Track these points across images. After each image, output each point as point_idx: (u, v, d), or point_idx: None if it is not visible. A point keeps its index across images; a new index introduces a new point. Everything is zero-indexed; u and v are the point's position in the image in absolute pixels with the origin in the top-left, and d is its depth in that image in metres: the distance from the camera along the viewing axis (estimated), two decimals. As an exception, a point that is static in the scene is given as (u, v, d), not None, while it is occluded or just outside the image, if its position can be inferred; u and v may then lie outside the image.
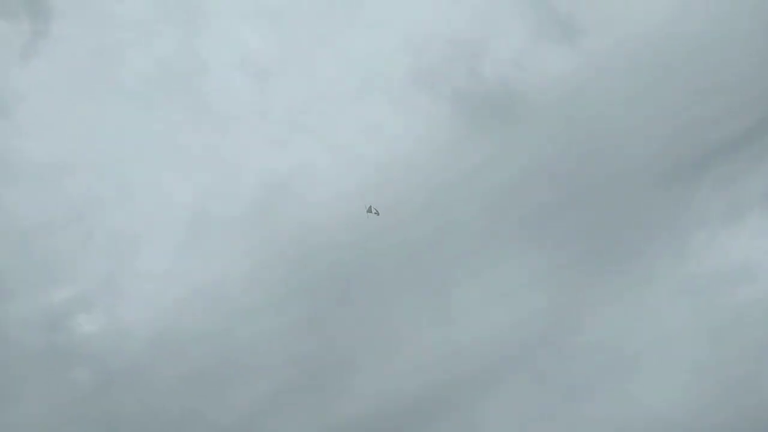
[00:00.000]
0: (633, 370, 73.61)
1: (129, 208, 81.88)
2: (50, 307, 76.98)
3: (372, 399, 73.11)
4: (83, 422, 72.21)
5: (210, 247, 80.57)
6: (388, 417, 72.16)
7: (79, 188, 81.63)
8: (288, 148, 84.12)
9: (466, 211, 79.99)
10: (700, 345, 73.25)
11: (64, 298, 77.52)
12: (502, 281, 77.78)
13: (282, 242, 79.79)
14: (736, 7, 79.36)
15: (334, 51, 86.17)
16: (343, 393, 74.11)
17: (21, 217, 79.41)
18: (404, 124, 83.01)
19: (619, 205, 79.74)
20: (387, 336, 76.42)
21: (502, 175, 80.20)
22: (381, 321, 76.99)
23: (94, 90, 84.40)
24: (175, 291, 77.74)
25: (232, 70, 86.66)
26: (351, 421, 72.15)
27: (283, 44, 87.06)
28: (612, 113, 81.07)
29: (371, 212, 70.65)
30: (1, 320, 75.30)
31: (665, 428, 69.73)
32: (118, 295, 78.43)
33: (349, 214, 73.57)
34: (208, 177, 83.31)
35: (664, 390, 71.76)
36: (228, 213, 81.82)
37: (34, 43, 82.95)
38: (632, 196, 79.88)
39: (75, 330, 76.69)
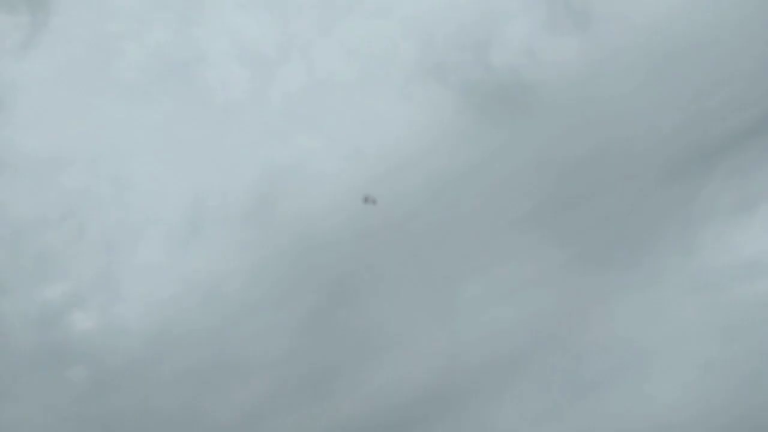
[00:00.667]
0: (642, 366, 72.60)
1: (124, 202, 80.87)
2: (44, 303, 76.04)
3: (374, 397, 72.37)
4: (79, 421, 71.35)
5: (208, 243, 79.58)
6: (390, 415, 71.36)
7: (73, 182, 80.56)
8: (288, 140, 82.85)
9: (472, 206, 78.97)
10: (710, 341, 72.13)
11: (58, 294, 76.73)
12: (508, 277, 76.92)
13: (281, 237, 78.78)
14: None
15: (336, 40, 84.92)
16: (345, 391, 73.34)
17: (14, 212, 78.48)
18: (409, 115, 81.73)
19: (628, 200, 78.82)
20: (390, 333, 75.39)
21: (509, 169, 79.31)
22: (384, 317, 75.95)
23: (90, 82, 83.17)
24: (171, 287, 76.79)
25: (231, 60, 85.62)
26: (352, 419, 71.40)
27: (282, 33, 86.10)
28: (622, 105, 79.95)
29: (368, 201, 69.99)
30: (-6, 317, 74.29)
31: (675, 425, 68.56)
32: (114, 292, 77.53)
33: (351, 208, 72.41)
34: (205, 170, 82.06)
35: (673, 386, 70.74)
36: (226, 207, 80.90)
37: (32, 35, 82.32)
38: (640, 190, 79.00)
39: (70, 327, 75.88)
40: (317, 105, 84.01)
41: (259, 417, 72.00)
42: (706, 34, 78.86)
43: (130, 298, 76.94)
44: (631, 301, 75.22)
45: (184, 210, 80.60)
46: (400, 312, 76.16)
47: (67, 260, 77.94)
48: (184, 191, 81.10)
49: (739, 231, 76.45)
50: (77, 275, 77.72)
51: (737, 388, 69.50)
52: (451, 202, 79.22)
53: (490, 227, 78.59)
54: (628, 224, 78.20)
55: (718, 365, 70.88)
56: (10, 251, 77.36)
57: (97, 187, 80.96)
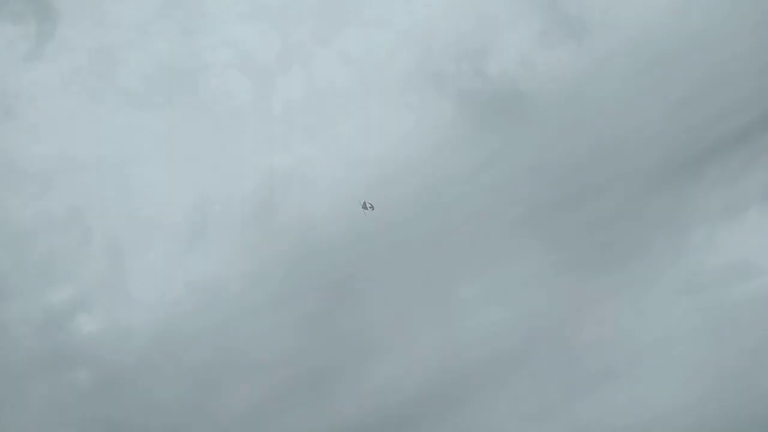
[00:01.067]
0: (633, 367, 73.62)
1: (128, 207, 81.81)
2: (50, 307, 76.92)
3: (372, 397, 73.25)
4: (84, 422, 72.16)
5: (210, 247, 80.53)
6: (388, 415, 72.27)
7: (79, 188, 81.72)
8: (288, 147, 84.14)
9: (468, 210, 79.94)
10: (700, 342, 73.17)
11: (63, 298, 77.54)
12: (503, 279, 77.88)
13: (282, 241, 79.78)
14: (734, 6, 79.67)
15: (335, 50, 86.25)
16: (344, 391, 74.19)
17: (21, 217, 79.51)
18: (406, 123, 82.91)
19: (620, 204, 79.82)
20: (388, 334, 76.40)
21: (504, 174, 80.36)
22: (382, 319, 76.93)
23: (96, 91, 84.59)
24: (175, 290, 77.88)
25: (232, 69, 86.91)
26: (351, 419, 72.25)
27: (283, 43, 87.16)
28: (615, 112, 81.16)
29: (366, 208, 71.10)
30: (1, 321, 75.08)
31: (665, 425, 69.69)
32: (118, 295, 78.43)
33: (349, 212, 73.55)
34: (208, 176, 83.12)
35: (664, 384, 71.83)
36: (227, 212, 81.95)
37: (39, 45, 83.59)
38: (632, 195, 80.00)
39: (75, 330, 76.75)
40: (317, 113, 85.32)
41: (261, 416, 72.88)
42: (695, 42, 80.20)
43: (134, 301, 77.83)
44: (623, 302, 76.38)
45: (188, 215, 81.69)
46: (398, 313, 77.19)
47: (72, 264, 79.03)
48: (188, 197, 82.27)
49: (728, 234, 77.55)
50: (83, 279, 78.70)
51: (726, 386, 70.46)
52: (447, 207, 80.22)
53: (486, 231, 79.55)
54: (620, 227, 79.28)
55: (708, 365, 71.89)
56: (17, 255, 78.39)
57: (102, 192, 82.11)
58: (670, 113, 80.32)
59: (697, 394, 70.21)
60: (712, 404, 69.63)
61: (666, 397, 70.86)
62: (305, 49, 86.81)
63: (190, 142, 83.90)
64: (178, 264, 79.34)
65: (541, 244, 78.94)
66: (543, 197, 79.89)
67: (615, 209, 79.51)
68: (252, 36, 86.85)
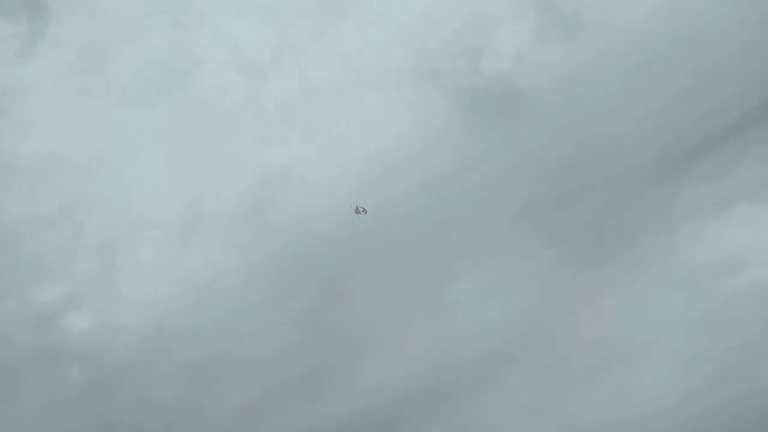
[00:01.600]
0: (628, 360, 74.10)
1: (121, 204, 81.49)
2: (41, 305, 76.41)
3: (367, 394, 73.19)
4: (77, 421, 71.72)
5: (203, 244, 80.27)
6: (383, 412, 72.36)
7: (71, 184, 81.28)
8: (281, 144, 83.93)
9: (462, 207, 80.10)
10: (691, 336, 73.77)
11: (55, 296, 77.08)
12: (497, 275, 78.06)
13: (275, 238, 79.55)
14: (730, 4, 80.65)
15: (329, 46, 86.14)
16: (339, 388, 74.12)
17: (12, 214, 79.01)
18: (401, 120, 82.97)
19: (613, 200, 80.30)
20: (382, 331, 76.42)
21: (499, 171, 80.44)
22: (376, 316, 76.96)
23: (88, 87, 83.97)
24: (168, 288, 77.39)
25: (225, 65, 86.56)
26: (346, 416, 72.14)
27: (276, 40, 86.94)
28: (610, 109, 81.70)
29: (359, 212, 71.46)
30: (-9, 319, 74.33)
31: (659, 420, 70.18)
32: (110, 293, 78.06)
33: (344, 209, 73.73)
34: (201, 173, 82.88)
35: (658, 379, 72.32)
36: (221, 209, 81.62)
37: (30, 42, 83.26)
38: (625, 191, 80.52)
39: (67, 328, 76.26)
40: (310, 110, 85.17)
41: (255, 414, 72.77)
42: (689, 41, 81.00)
43: (126, 299, 77.43)
44: (616, 297, 76.66)
45: (180, 212, 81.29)
46: (392, 310, 77.25)
47: (63, 262, 78.59)
48: (180, 193, 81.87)
49: (718, 228, 78.21)
50: (74, 276, 78.28)
51: (717, 380, 71.16)
52: (442, 204, 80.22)
53: (481, 227, 79.80)
54: (613, 223, 79.72)
55: (699, 358, 72.57)
56: (7, 253, 77.93)
57: (94, 189, 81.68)
58: (661, 111, 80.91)
59: (690, 389, 70.78)
60: (705, 399, 70.18)
61: (659, 392, 71.33)
62: (299, 46, 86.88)
63: (182, 139, 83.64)
64: (170, 261, 79.01)
65: (535, 240, 79.19)
66: (538, 194, 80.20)
67: (608, 206, 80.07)
68: (246, 32, 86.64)
